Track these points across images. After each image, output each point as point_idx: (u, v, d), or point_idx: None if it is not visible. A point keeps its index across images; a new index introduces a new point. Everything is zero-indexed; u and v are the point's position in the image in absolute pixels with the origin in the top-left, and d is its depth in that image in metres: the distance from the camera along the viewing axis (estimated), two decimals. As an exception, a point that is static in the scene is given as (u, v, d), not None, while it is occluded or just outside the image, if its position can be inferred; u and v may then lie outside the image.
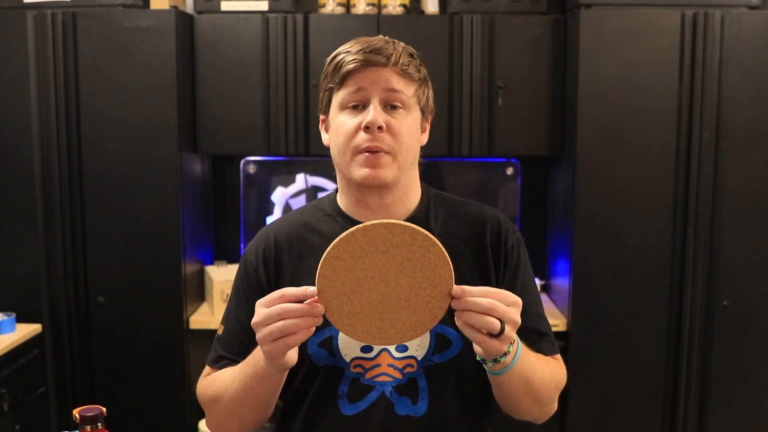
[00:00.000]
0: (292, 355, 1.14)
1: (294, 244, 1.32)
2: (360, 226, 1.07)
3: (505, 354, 1.13)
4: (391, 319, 1.08)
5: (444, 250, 1.07)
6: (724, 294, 2.78)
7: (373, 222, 1.07)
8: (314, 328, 1.09)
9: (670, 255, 2.78)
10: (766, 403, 2.86)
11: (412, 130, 1.27)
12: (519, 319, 1.09)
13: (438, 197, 1.38)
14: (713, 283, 2.79)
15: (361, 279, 1.07)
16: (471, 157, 3.00)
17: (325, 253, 1.07)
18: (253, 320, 1.10)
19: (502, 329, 1.07)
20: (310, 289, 1.07)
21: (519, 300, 1.10)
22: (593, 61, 2.72)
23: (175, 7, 2.79)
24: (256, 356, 1.19)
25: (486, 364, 1.15)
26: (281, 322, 1.07)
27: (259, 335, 1.09)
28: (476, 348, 1.12)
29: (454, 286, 1.07)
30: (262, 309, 1.09)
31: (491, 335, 1.07)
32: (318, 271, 1.07)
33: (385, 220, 1.07)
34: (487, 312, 1.06)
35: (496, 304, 1.06)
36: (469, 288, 1.07)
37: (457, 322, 1.09)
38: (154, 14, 2.76)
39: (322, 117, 1.34)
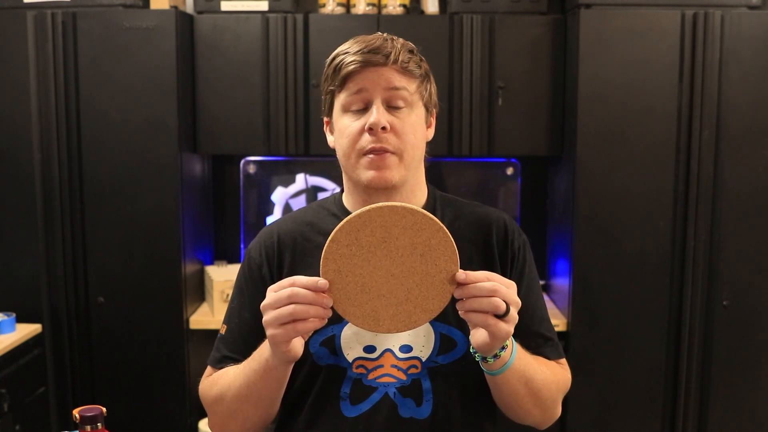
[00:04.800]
0: (298, 346, 1.12)
1: (298, 243, 1.32)
2: (362, 210, 1.05)
3: (503, 348, 1.13)
4: (396, 306, 1.07)
5: (449, 234, 1.06)
6: (724, 294, 2.78)
7: (376, 205, 1.05)
8: (326, 319, 1.07)
9: (670, 255, 2.78)
10: (766, 404, 2.86)
11: (416, 128, 1.26)
12: (519, 300, 1.09)
13: (444, 198, 1.38)
14: (713, 283, 2.79)
15: (366, 265, 1.06)
16: (471, 157, 3.00)
17: (329, 239, 1.05)
18: (263, 303, 1.08)
19: (507, 310, 1.07)
20: (321, 281, 1.06)
21: (513, 283, 1.10)
22: (593, 61, 2.72)
23: (175, 7, 2.79)
24: (262, 350, 1.18)
25: (487, 361, 1.15)
26: (291, 306, 1.05)
27: (266, 318, 1.08)
28: (477, 341, 1.11)
29: (459, 270, 1.06)
30: (272, 293, 1.08)
31: (497, 317, 1.06)
32: (322, 259, 1.06)
33: (388, 204, 1.05)
34: (492, 294, 1.06)
35: (499, 285, 1.06)
36: (473, 273, 1.07)
37: (461, 311, 1.08)
38: (154, 14, 2.76)
39: (326, 119, 1.33)
